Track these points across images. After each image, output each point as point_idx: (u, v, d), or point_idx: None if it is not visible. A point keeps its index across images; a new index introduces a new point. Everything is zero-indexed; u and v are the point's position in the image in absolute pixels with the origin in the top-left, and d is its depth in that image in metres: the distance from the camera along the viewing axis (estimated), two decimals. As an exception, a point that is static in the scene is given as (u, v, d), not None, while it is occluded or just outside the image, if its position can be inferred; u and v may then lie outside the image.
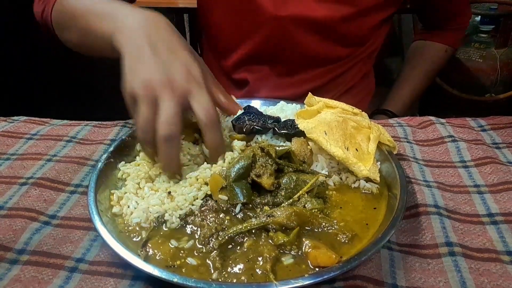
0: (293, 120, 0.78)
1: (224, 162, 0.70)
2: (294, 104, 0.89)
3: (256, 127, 0.78)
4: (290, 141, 0.77)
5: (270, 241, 0.59)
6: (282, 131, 0.77)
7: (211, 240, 0.59)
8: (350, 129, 0.75)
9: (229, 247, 0.59)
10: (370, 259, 0.58)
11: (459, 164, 0.79)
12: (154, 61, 0.66)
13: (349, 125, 0.75)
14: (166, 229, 0.62)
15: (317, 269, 0.55)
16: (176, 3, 2.03)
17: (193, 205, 0.65)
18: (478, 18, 1.88)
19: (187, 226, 0.62)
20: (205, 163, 0.72)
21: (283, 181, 0.67)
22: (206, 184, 0.67)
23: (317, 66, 1.15)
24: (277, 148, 0.72)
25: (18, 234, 0.63)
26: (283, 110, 0.87)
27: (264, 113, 0.84)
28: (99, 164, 0.71)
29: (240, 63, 1.17)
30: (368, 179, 0.71)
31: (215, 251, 0.57)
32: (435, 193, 0.71)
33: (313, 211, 0.63)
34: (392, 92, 1.34)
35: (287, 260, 0.57)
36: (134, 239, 0.61)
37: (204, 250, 0.58)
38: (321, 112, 0.80)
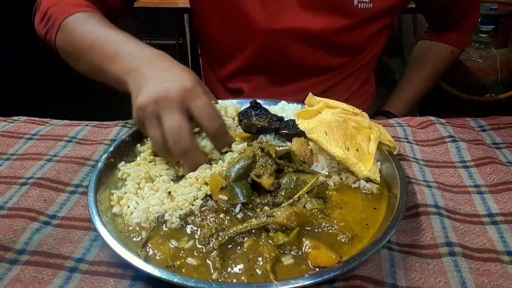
0: (294, 120, 0.78)
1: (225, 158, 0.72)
2: (295, 104, 0.89)
3: (263, 126, 0.77)
4: (291, 141, 0.77)
5: (270, 241, 0.59)
6: (282, 131, 0.77)
7: (211, 240, 0.59)
8: (350, 129, 0.75)
9: (229, 247, 0.59)
10: (370, 259, 0.58)
11: (459, 164, 0.79)
12: (152, 83, 0.71)
13: (350, 125, 0.75)
14: (166, 229, 0.62)
15: (317, 269, 0.55)
16: (176, 3, 2.03)
17: (193, 205, 0.65)
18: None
19: (187, 226, 0.62)
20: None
21: (283, 181, 0.67)
22: (206, 184, 0.67)
23: (313, 75, 1.13)
24: (277, 148, 0.72)
25: (18, 234, 0.63)
26: (284, 110, 0.87)
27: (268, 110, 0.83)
28: (99, 164, 0.71)
29: (235, 73, 1.16)
30: (368, 179, 0.71)
31: (215, 251, 0.57)
32: (435, 193, 0.71)
33: (313, 211, 0.63)
34: (394, 93, 1.32)
35: (287, 260, 0.57)
36: (134, 239, 0.61)
37: (204, 250, 0.58)
38: (321, 112, 0.80)
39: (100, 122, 0.94)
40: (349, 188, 0.71)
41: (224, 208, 0.64)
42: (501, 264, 0.58)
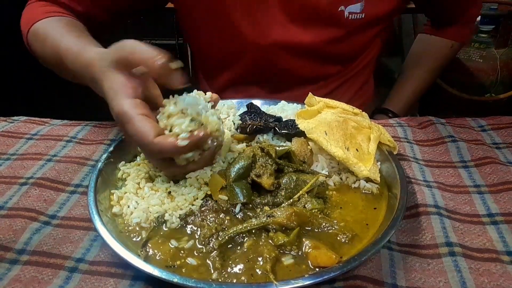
0: (294, 120, 0.78)
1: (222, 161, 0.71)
2: (294, 104, 0.89)
3: (258, 126, 0.78)
4: (291, 141, 0.77)
5: (270, 241, 0.59)
6: (282, 131, 0.77)
7: (211, 240, 0.59)
8: (350, 129, 0.75)
9: (229, 247, 0.59)
10: (370, 259, 0.58)
11: (459, 164, 0.79)
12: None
13: (350, 125, 0.75)
14: (166, 229, 0.62)
15: (317, 269, 0.55)
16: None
17: (193, 205, 0.65)
18: (478, 18, 1.87)
19: (187, 226, 0.62)
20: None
21: (283, 181, 0.67)
22: (206, 184, 0.67)
23: (308, 84, 1.12)
24: (277, 148, 0.72)
25: (18, 234, 0.63)
26: (284, 110, 0.87)
27: (265, 112, 0.84)
28: (99, 164, 0.71)
29: (227, 84, 1.16)
30: (368, 179, 0.71)
31: (215, 251, 0.57)
32: (435, 193, 0.71)
33: (313, 211, 0.63)
34: (393, 90, 1.30)
35: (287, 260, 0.57)
36: (134, 239, 0.61)
37: (204, 250, 0.58)
38: (321, 112, 0.80)
39: (100, 122, 0.94)
40: (349, 188, 0.71)
41: (224, 208, 0.64)
42: (501, 264, 0.58)
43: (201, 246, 0.59)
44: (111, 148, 0.75)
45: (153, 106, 0.67)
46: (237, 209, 0.63)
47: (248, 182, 0.66)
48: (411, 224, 0.65)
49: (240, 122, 0.80)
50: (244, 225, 0.60)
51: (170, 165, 0.66)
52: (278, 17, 0.99)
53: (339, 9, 0.96)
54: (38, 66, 0.99)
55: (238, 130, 0.80)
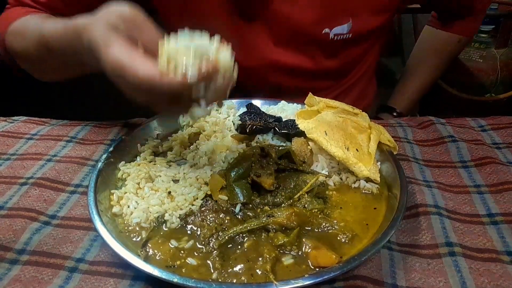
0: (294, 120, 0.78)
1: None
2: (294, 104, 0.89)
3: (258, 126, 0.78)
4: (290, 141, 0.77)
5: (270, 241, 0.59)
6: (282, 131, 0.77)
7: (211, 240, 0.59)
8: (350, 129, 0.75)
9: (229, 247, 0.59)
10: (370, 259, 0.58)
11: (459, 164, 0.79)
12: None
13: (350, 125, 0.75)
14: (166, 229, 0.62)
15: (317, 269, 0.55)
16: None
17: (193, 205, 0.65)
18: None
19: (187, 226, 0.62)
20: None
21: (283, 181, 0.67)
22: (206, 184, 0.67)
23: (301, 96, 1.12)
24: (277, 148, 0.72)
25: (18, 234, 0.63)
26: (284, 109, 0.87)
27: (265, 112, 0.84)
28: (99, 164, 0.71)
29: None
30: (368, 179, 0.71)
31: (215, 251, 0.57)
32: (435, 193, 0.71)
33: (313, 211, 0.63)
34: (399, 86, 1.27)
35: (287, 260, 0.57)
36: (134, 239, 0.61)
37: (204, 250, 0.58)
38: (321, 112, 0.80)
39: (100, 122, 0.94)
40: (349, 188, 0.71)
41: (224, 208, 0.64)
42: (501, 264, 0.58)
43: (201, 246, 0.59)
44: (111, 148, 0.75)
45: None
46: (237, 209, 0.63)
47: (248, 182, 0.66)
48: (411, 224, 0.65)
49: (240, 122, 0.80)
50: (244, 225, 0.60)
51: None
52: (264, 39, 0.98)
53: (323, 31, 0.94)
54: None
55: (238, 130, 0.80)
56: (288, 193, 0.66)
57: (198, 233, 0.61)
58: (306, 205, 0.64)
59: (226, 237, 0.58)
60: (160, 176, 0.70)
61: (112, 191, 0.68)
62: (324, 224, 0.62)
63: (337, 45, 0.97)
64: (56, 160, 0.80)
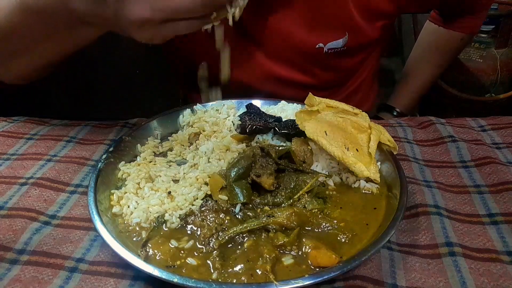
0: (294, 120, 0.78)
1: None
2: (294, 104, 0.89)
3: (258, 126, 0.78)
4: (290, 141, 0.77)
5: (270, 241, 0.59)
6: (282, 131, 0.77)
7: (211, 240, 0.59)
8: (350, 129, 0.75)
9: (229, 246, 0.59)
10: (370, 259, 0.58)
11: (459, 164, 0.79)
12: None
13: (350, 125, 0.75)
14: (166, 229, 0.62)
15: (317, 269, 0.55)
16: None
17: (193, 205, 0.65)
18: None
19: (187, 226, 0.62)
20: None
21: (283, 181, 0.67)
22: (206, 184, 0.67)
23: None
24: (277, 148, 0.72)
25: (18, 234, 0.63)
26: (284, 110, 0.87)
27: (264, 112, 0.84)
28: (99, 164, 0.71)
29: None
30: (368, 179, 0.71)
31: (215, 251, 0.57)
32: (435, 193, 0.71)
33: (313, 211, 0.63)
34: (400, 85, 1.26)
35: (287, 260, 0.57)
36: (134, 239, 0.61)
37: (204, 250, 0.58)
38: (321, 112, 0.80)
39: (100, 122, 0.94)
40: (349, 188, 0.71)
41: (224, 208, 0.64)
42: (501, 264, 0.58)
43: (201, 246, 0.59)
44: (111, 148, 0.75)
45: None
46: (237, 209, 0.63)
47: (248, 182, 0.66)
48: (411, 224, 0.65)
49: (240, 122, 0.80)
50: (244, 225, 0.60)
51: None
52: (258, 53, 0.97)
53: (317, 46, 0.93)
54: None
55: (238, 131, 0.80)
56: (288, 193, 0.66)
57: (198, 233, 0.61)
58: (306, 205, 0.64)
59: (226, 237, 0.58)
60: (160, 176, 0.70)
61: (112, 191, 0.68)
62: (324, 224, 0.62)
63: (331, 58, 0.96)
64: (56, 160, 0.80)
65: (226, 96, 0.93)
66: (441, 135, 0.87)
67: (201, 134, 0.82)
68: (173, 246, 0.59)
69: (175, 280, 0.51)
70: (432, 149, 0.84)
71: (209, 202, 0.65)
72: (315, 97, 0.82)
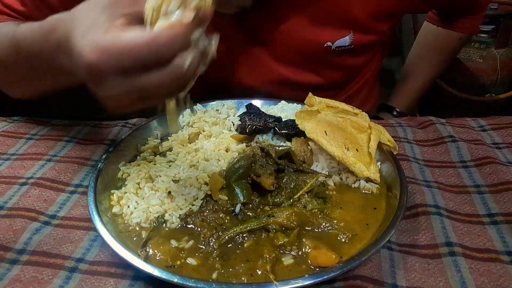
0: (294, 120, 0.78)
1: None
2: (294, 104, 0.89)
3: (258, 126, 0.78)
4: (290, 141, 0.77)
5: (270, 241, 0.59)
6: (282, 131, 0.77)
7: (211, 240, 0.59)
8: (350, 129, 0.75)
9: (229, 246, 0.59)
10: (370, 259, 0.58)
11: (459, 164, 0.79)
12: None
13: (350, 125, 0.75)
14: (166, 229, 0.62)
15: (317, 269, 0.55)
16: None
17: (193, 205, 0.65)
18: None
19: (187, 226, 0.62)
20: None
21: (283, 181, 0.67)
22: (206, 184, 0.67)
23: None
24: (277, 148, 0.72)
25: (18, 234, 0.63)
26: (284, 110, 0.87)
27: (264, 112, 0.84)
28: (99, 164, 0.71)
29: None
30: (368, 179, 0.71)
31: (215, 251, 0.57)
32: (435, 193, 0.71)
33: (313, 211, 0.63)
34: (399, 86, 1.26)
35: (287, 260, 0.57)
36: (134, 239, 0.61)
37: (204, 250, 0.58)
38: (321, 112, 0.80)
39: (100, 122, 0.94)
40: (349, 188, 0.71)
41: (224, 208, 0.64)
42: (501, 264, 0.58)
43: (201, 246, 0.59)
44: (111, 148, 0.75)
45: None
46: (237, 209, 0.63)
47: (248, 182, 0.66)
48: (411, 224, 0.65)
49: (239, 122, 0.80)
50: (244, 225, 0.60)
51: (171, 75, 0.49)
52: (265, 56, 0.97)
53: (325, 45, 0.93)
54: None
55: (238, 131, 0.80)
56: (288, 193, 0.66)
57: (198, 233, 0.61)
58: (306, 205, 0.64)
59: (226, 237, 0.58)
60: (160, 176, 0.70)
61: (112, 191, 0.68)
62: (324, 224, 0.62)
63: (339, 57, 0.97)
64: (56, 160, 0.80)
65: (226, 97, 0.93)
66: (441, 135, 0.87)
67: (201, 134, 0.82)
68: (173, 246, 0.59)
69: (175, 280, 0.51)
70: (432, 149, 0.84)
71: (209, 202, 0.65)
72: (315, 97, 0.82)
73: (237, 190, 0.64)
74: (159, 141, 0.82)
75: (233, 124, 0.83)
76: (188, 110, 0.88)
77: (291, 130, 0.77)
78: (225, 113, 0.87)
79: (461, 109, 1.93)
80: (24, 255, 0.60)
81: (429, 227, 0.64)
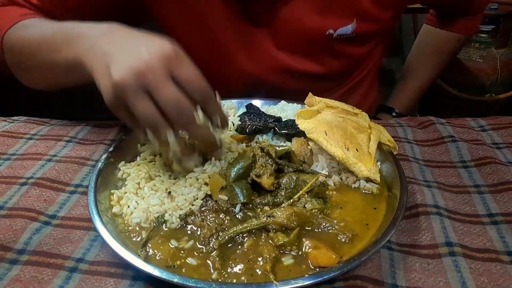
0: (294, 120, 0.78)
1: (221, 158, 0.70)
2: (294, 104, 0.89)
3: (258, 126, 0.78)
4: (290, 141, 0.77)
5: (270, 241, 0.59)
6: (282, 131, 0.77)
7: (211, 240, 0.59)
8: (350, 129, 0.75)
9: (229, 246, 0.59)
10: (370, 259, 0.58)
11: (459, 164, 0.79)
12: (122, 54, 0.59)
13: (350, 125, 0.75)
14: (166, 229, 0.62)
15: (317, 269, 0.55)
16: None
17: (193, 205, 0.65)
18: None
19: (187, 226, 0.62)
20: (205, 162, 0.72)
21: (283, 181, 0.67)
22: (206, 184, 0.67)
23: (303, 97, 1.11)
24: (277, 148, 0.72)
25: (18, 234, 0.63)
26: (284, 110, 0.87)
27: (264, 112, 0.84)
28: (99, 164, 0.71)
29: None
30: (368, 179, 0.71)
31: (215, 251, 0.57)
32: (435, 193, 0.71)
33: (313, 211, 0.63)
34: (398, 86, 1.27)
35: (287, 260, 0.57)
36: (134, 239, 0.61)
37: (204, 250, 0.58)
38: (321, 112, 0.80)
39: (100, 122, 0.94)
40: (349, 188, 0.71)
41: (224, 208, 0.64)
42: (501, 264, 0.58)
43: (201, 246, 0.59)
44: (111, 148, 0.75)
45: None
46: (237, 209, 0.63)
47: (248, 182, 0.66)
48: (411, 224, 0.65)
49: (239, 123, 0.80)
50: (244, 225, 0.60)
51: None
52: (267, 43, 0.97)
53: (327, 32, 0.93)
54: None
55: (238, 131, 0.80)
56: (288, 193, 0.66)
57: (198, 233, 0.61)
58: (306, 205, 0.64)
59: (226, 237, 0.58)
60: (160, 176, 0.70)
61: (112, 191, 0.68)
62: (324, 224, 0.62)
63: (341, 45, 0.97)
64: (56, 160, 0.80)
65: (226, 96, 0.93)
66: (441, 135, 0.87)
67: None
68: (173, 246, 0.59)
69: (175, 280, 0.51)
70: (432, 149, 0.84)
71: (209, 202, 0.65)
72: (315, 97, 0.82)
73: (237, 190, 0.64)
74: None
75: (233, 124, 0.83)
76: None
77: (291, 130, 0.77)
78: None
79: (461, 109, 1.93)
80: (24, 255, 0.60)
81: (429, 227, 0.64)
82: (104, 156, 0.73)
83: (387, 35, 1.10)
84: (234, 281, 0.54)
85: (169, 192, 0.66)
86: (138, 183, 0.69)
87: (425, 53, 1.26)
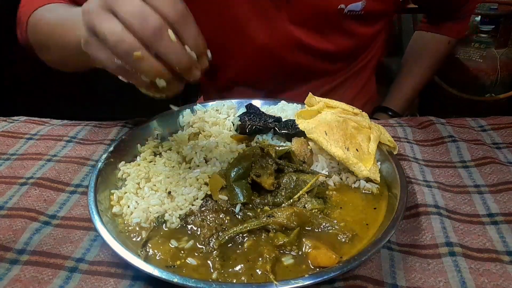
0: (294, 120, 0.78)
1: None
2: (294, 104, 0.89)
3: (258, 126, 0.78)
4: (290, 141, 0.77)
5: (270, 241, 0.59)
6: (282, 131, 0.77)
7: (211, 240, 0.59)
8: (350, 129, 0.75)
9: (229, 246, 0.59)
10: (370, 259, 0.58)
11: (459, 164, 0.79)
12: None
13: (350, 125, 0.75)
14: (166, 229, 0.62)
15: (317, 269, 0.55)
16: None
17: (193, 205, 0.65)
18: (478, 18, 1.88)
19: (187, 226, 0.62)
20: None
21: (283, 181, 0.67)
22: (206, 184, 0.68)
23: (311, 80, 1.12)
24: (277, 148, 0.72)
25: (18, 234, 0.63)
26: (284, 110, 0.87)
27: (264, 112, 0.84)
28: (99, 164, 0.71)
29: (228, 84, 1.15)
30: (368, 179, 0.71)
31: (215, 251, 0.57)
32: (435, 193, 0.71)
33: (313, 211, 0.63)
34: (393, 88, 1.31)
35: (287, 260, 0.57)
36: (134, 239, 0.61)
37: (204, 250, 0.58)
38: (321, 112, 0.80)
39: (100, 122, 0.94)
40: (349, 188, 0.71)
41: (224, 208, 0.64)
42: (501, 264, 0.58)
43: (201, 246, 0.59)
44: (111, 148, 0.75)
45: None
46: (237, 209, 0.63)
47: (248, 182, 0.66)
48: (411, 224, 0.65)
49: (239, 123, 0.80)
50: (244, 225, 0.60)
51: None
52: (279, 18, 0.99)
53: (339, 7, 0.96)
54: (38, 66, 0.99)
55: (238, 131, 0.80)
56: (288, 193, 0.66)
57: (198, 233, 0.61)
58: (306, 205, 0.64)
59: (226, 237, 0.58)
60: (160, 176, 0.70)
61: (112, 191, 0.68)
62: (324, 224, 0.62)
63: (350, 22, 1.00)
64: (56, 160, 0.80)
65: (226, 96, 0.93)
66: (441, 135, 0.87)
67: (200, 134, 0.82)
68: (173, 246, 0.59)
69: (175, 280, 0.51)
70: (432, 149, 0.84)
71: (209, 202, 0.65)
72: (315, 97, 0.82)
73: (237, 190, 0.64)
74: (159, 141, 0.82)
75: (233, 124, 0.83)
76: (188, 110, 0.88)
77: (291, 130, 0.77)
78: (225, 113, 0.87)
79: (461, 109, 1.93)
80: (24, 255, 0.60)
81: (429, 227, 0.64)
82: (104, 156, 0.73)
83: (391, 20, 1.13)
84: (234, 281, 0.54)
85: (169, 192, 0.66)
86: (138, 183, 0.69)
87: (417, 56, 1.32)
